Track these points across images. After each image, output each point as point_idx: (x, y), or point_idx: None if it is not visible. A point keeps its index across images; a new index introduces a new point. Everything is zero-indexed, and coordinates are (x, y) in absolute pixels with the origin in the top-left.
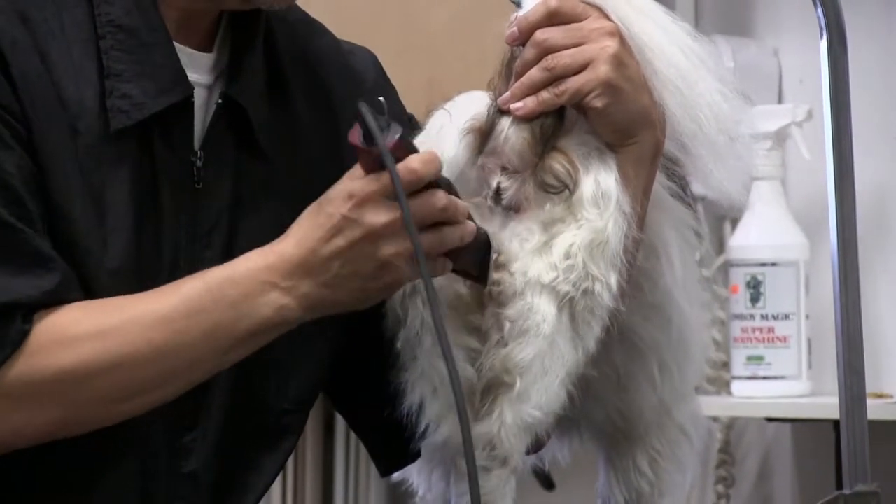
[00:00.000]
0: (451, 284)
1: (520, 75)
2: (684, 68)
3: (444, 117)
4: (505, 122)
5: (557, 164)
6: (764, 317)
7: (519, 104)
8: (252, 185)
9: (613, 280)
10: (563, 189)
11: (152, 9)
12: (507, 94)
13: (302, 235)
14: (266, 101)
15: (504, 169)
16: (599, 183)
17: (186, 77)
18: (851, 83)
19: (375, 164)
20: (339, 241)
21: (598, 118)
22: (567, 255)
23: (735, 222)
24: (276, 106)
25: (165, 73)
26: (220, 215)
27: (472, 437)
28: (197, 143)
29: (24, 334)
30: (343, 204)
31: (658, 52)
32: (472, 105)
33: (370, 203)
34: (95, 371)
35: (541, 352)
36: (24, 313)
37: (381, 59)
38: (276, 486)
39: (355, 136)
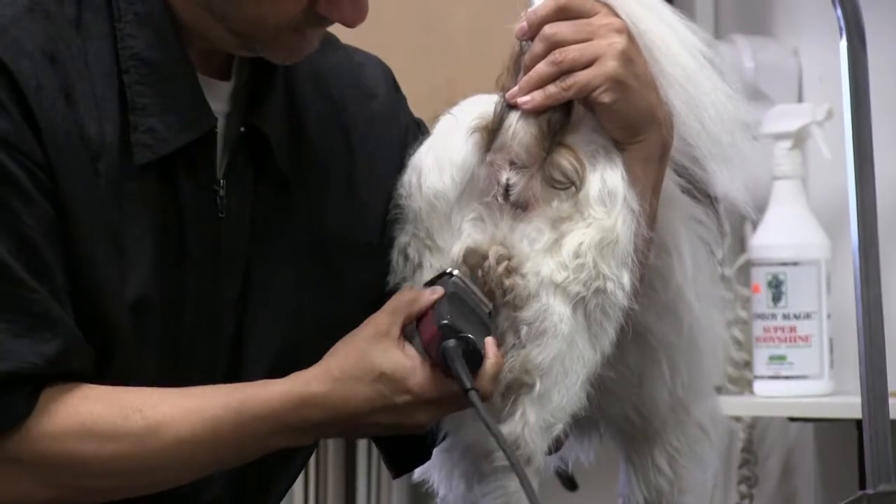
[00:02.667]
0: None
1: (528, 69)
2: (690, 68)
3: (450, 121)
4: (513, 118)
5: (565, 160)
6: (786, 316)
7: (526, 98)
8: (269, 211)
9: (626, 278)
10: (570, 186)
11: (175, 42)
12: (515, 87)
13: (343, 396)
14: (285, 125)
15: (512, 164)
16: (606, 181)
17: (210, 109)
18: (871, 82)
19: (440, 362)
20: (381, 418)
21: (605, 114)
22: (577, 255)
23: (756, 222)
24: (291, 129)
25: (189, 106)
26: (241, 243)
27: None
28: (219, 173)
29: (30, 408)
30: (398, 393)
31: (665, 51)
32: (479, 108)
33: (425, 405)
34: (108, 470)
35: (560, 353)
36: (32, 388)
37: (400, 61)
38: (298, 488)
39: (433, 346)
